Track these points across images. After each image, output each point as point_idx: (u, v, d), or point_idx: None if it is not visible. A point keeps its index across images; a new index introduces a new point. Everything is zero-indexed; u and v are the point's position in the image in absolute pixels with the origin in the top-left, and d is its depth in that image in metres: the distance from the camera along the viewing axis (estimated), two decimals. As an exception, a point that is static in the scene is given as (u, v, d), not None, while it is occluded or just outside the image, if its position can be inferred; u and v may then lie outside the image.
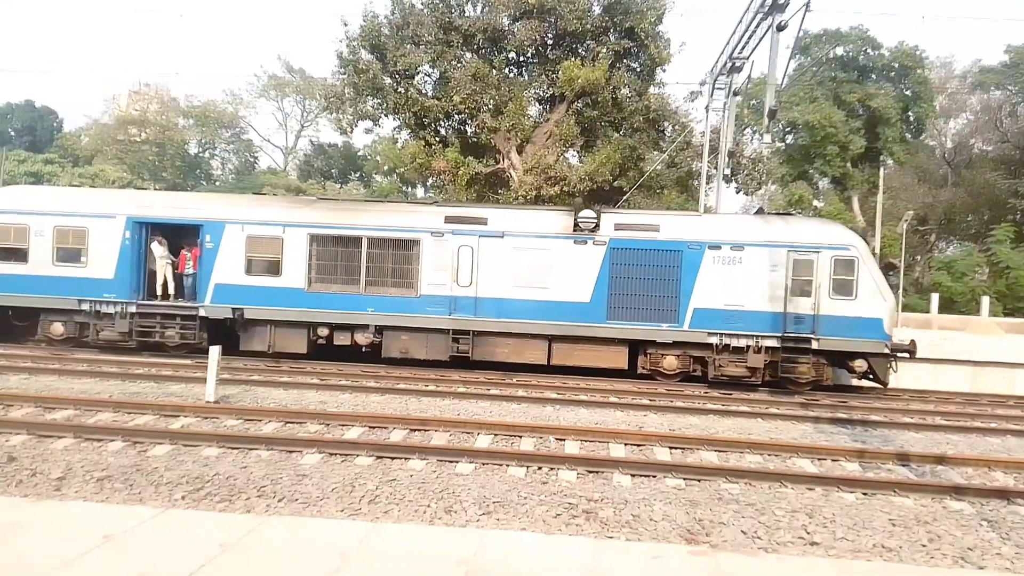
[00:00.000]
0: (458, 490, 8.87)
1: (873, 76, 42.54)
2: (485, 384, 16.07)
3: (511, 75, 28.09)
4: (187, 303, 17.96)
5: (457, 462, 9.94)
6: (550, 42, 27.02)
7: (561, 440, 11.38)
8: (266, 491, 8.65)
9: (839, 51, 42.45)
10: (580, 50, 26.89)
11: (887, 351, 16.27)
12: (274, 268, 17.41)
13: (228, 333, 17.87)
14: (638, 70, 27.66)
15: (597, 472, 9.80)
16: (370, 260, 17.23)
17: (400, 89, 26.95)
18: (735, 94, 23.44)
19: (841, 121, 39.32)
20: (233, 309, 17.44)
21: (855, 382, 17.51)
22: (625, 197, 26.64)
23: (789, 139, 43.37)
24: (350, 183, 60.22)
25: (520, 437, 11.45)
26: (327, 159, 60.55)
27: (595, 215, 16.97)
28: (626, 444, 11.24)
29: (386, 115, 28.15)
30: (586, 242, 16.78)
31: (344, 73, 27.51)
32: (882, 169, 42.46)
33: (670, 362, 16.92)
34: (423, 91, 27.59)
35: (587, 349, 16.98)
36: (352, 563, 6.06)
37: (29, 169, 46.06)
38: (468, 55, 26.70)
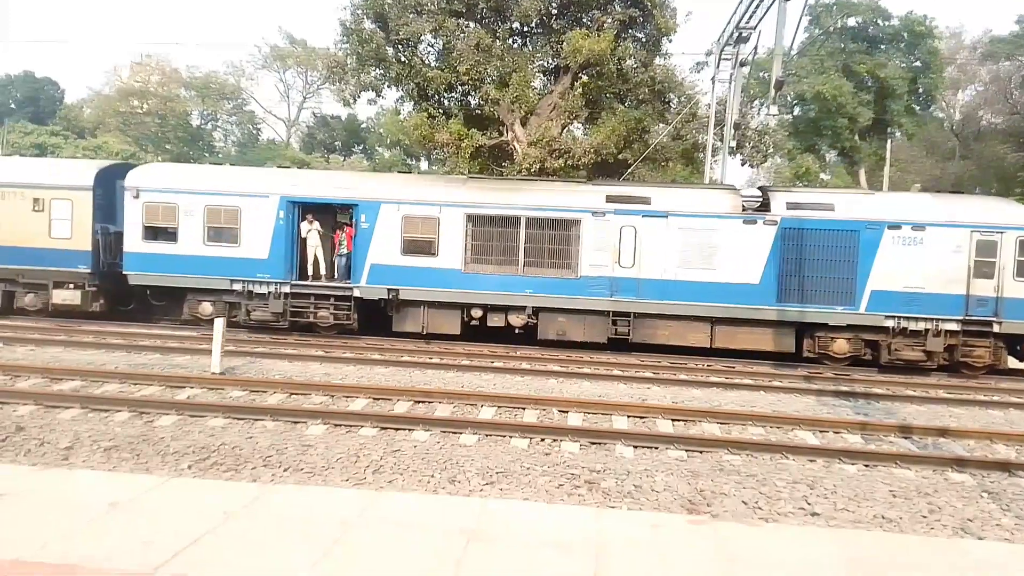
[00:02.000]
0: (462, 461, 8.94)
1: (882, 47, 41.93)
2: (489, 357, 16.13)
3: (515, 46, 27.74)
4: (341, 283, 17.77)
5: (461, 433, 10.02)
6: (554, 12, 26.62)
7: (564, 412, 11.45)
8: (271, 461, 8.74)
9: (851, 22, 41.80)
10: (585, 20, 26.50)
11: None
12: (430, 248, 17.11)
13: (377, 315, 17.78)
14: (644, 41, 27.25)
15: (600, 444, 9.87)
16: (528, 241, 16.89)
17: (403, 59, 26.68)
18: (742, 65, 23.17)
19: (850, 93, 38.86)
20: (388, 290, 17.20)
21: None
22: (631, 169, 26.46)
23: (797, 111, 42.91)
24: (353, 156, 59.95)
25: (523, 409, 11.51)
26: (330, 131, 60.23)
27: (760, 194, 16.54)
28: (629, 416, 11.29)
29: (389, 86, 27.86)
30: (755, 222, 16.31)
31: (347, 42, 27.21)
32: (890, 141, 42.07)
33: (840, 346, 16.47)
34: (426, 62, 27.31)
35: (752, 332, 16.59)
36: (354, 530, 6.13)
37: (34, 141, 45.89)
38: (471, 25, 26.36)
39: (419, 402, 11.70)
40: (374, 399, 11.75)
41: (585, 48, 24.43)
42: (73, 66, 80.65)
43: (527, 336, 17.44)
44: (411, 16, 25.44)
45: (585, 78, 26.87)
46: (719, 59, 23.48)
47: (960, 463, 9.45)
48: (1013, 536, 7.41)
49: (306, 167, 39.60)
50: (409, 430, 10.10)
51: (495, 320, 17.22)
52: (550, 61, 27.55)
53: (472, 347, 17.03)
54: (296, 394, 11.96)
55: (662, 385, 14.05)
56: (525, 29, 27.69)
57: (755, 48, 23.27)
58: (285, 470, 8.49)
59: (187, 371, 13.38)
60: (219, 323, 13.43)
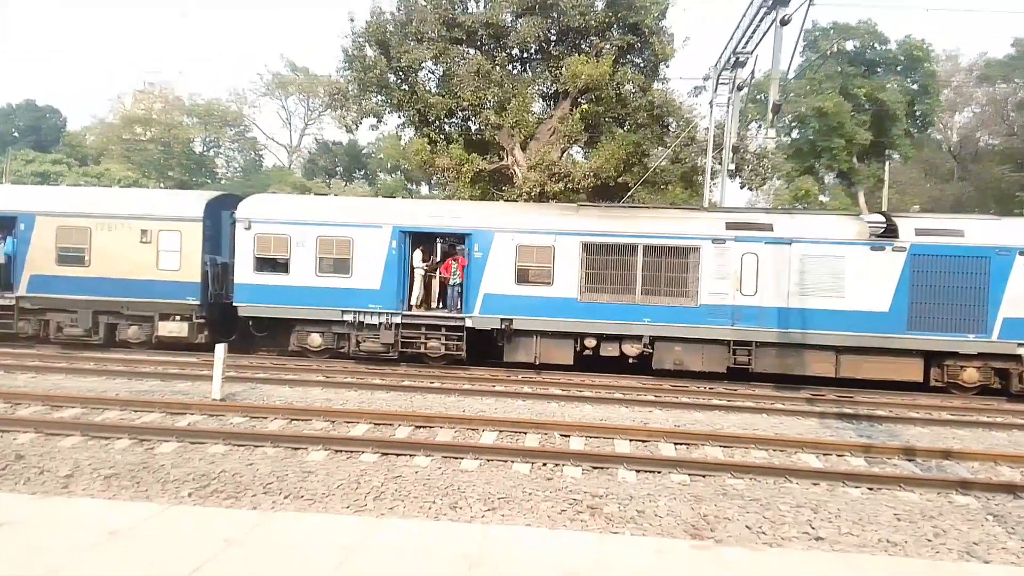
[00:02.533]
0: (463, 486, 8.89)
1: (879, 70, 42.31)
2: (490, 381, 16.10)
3: (514, 72, 28.04)
4: (453, 313, 17.56)
5: (462, 458, 9.98)
6: (553, 38, 26.95)
7: (566, 436, 11.40)
8: (272, 488, 8.70)
9: (848, 45, 42.20)
10: (584, 46, 26.80)
11: None
12: (545, 277, 16.93)
13: (485, 345, 17.62)
14: (642, 66, 27.54)
15: (602, 468, 9.81)
16: (646, 269, 16.66)
17: (404, 86, 26.96)
18: (739, 89, 23.37)
19: (848, 112, 39.13)
20: (502, 319, 17.00)
21: None
22: (630, 193, 26.58)
23: (795, 134, 43.18)
24: (355, 181, 60.28)
25: (525, 433, 11.47)
26: (332, 157, 60.62)
27: (884, 219, 16.45)
28: (631, 440, 11.24)
29: (390, 112, 28.13)
30: (884, 248, 16.07)
31: (349, 69, 27.52)
32: (888, 163, 42.26)
33: (971, 374, 16.14)
34: (427, 88, 27.58)
35: (879, 361, 16.20)
36: (356, 557, 6.09)
37: (36, 169, 46.17)
38: (471, 52, 26.66)
39: (420, 427, 11.66)
40: (375, 424, 11.71)
41: (584, 73, 24.70)
42: (75, 94, 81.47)
43: (641, 366, 17.15)
44: (412, 43, 25.77)
45: (584, 103, 27.10)
46: (717, 83, 23.70)
47: (964, 485, 9.39)
48: (1019, 560, 7.35)
49: (308, 193, 39.81)
50: (410, 455, 10.06)
51: (609, 350, 16.96)
52: (549, 86, 27.83)
53: (474, 371, 17.00)
54: (297, 420, 11.93)
55: (664, 408, 14.00)
56: (524, 55, 28.02)
57: (752, 72, 23.49)
58: (286, 497, 8.45)
59: (188, 397, 13.35)
60: (220, 349, 13.41)
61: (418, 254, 17.92)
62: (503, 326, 17.06)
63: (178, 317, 18.04)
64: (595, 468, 9.81)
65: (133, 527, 6.56)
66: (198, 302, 17.90)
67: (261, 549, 6.22)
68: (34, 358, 16.76)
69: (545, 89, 28.22)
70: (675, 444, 11.15)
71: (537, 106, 28.56)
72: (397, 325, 17.42)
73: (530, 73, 28.36)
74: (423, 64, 26.80)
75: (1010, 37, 60.90)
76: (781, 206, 40.58)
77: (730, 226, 16.67)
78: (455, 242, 18.42)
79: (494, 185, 28.50)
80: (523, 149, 27.11)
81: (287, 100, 62.64)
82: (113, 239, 18.03)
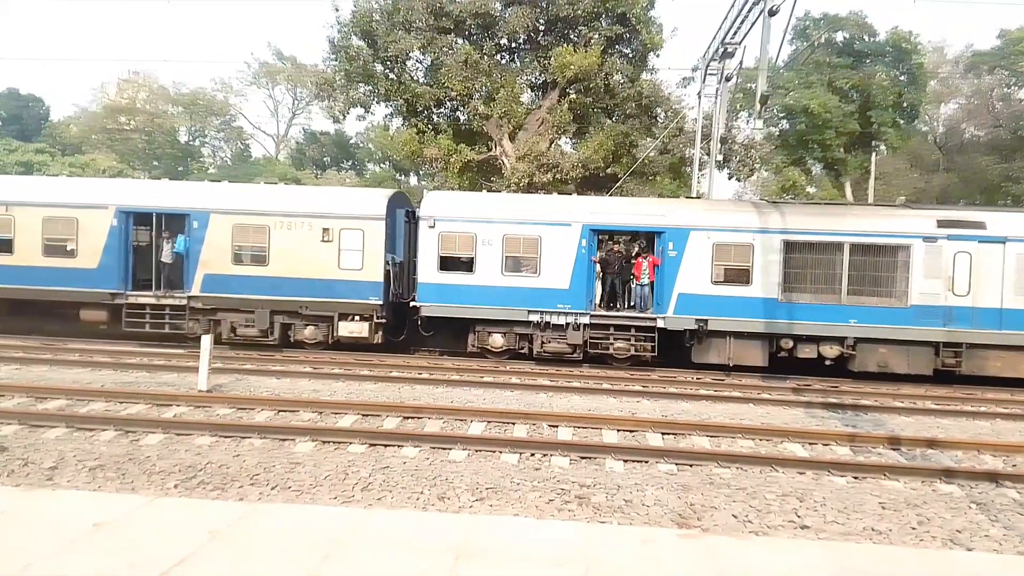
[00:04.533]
0: (451, 477, 8.89)
1: (867, 62, 42.43)
2: (479, 371, 16.09)
3: (503, 62, 27.95)
4: (643, 314, 17.21)
5: (450, 449, 9.97)
6: (542, 28, 26.88)
7: (554, 427, 11.42)
8: (259, 479, 8.67)
9: (838, 37, 42.28)
10: (572, 36, 26.75)
11: None
12: (742, 277, 16.57)
13: (669, 346, 17.25)
14: (630, 56, 27.54)
15: (590, 458, 9.84)
16: (852, 268, 16.30)
17: (391, 76, 26.81)
18: (727, 80, 23.36)
19: (836, 107, 39.25)
20: (696, 320, 16.63)
21: None
22: (618, 184, 26.59)
23: (784, 124, 43.27)
24: (343, 171, 59.93)
25: (513, 424, 11.48)
26: (320, 147, 60.20)
27: None
28: (619, 430, 11.28)
29: (378, 102, 28.00)
30: None
31: (335, 59, 27.35)
32: (874, 155, 42.43)
33: None
34: (415, 78, 27.45)
35: None
36: (343, 549, 6.07)
37: (19, 159, 45.59)
38: (459, 41, 26.54)
39: (408, 418, 11.64)
40: (363, 415, 11.68)
41: (572, 64, 24.67)
42: (58, 83, 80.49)
43: (834, 369, 16.79)
44: (400, 33, 25.63)
45: (573, 93, 27.07)
46: (705, 74, 23.67)
47: (948, 474, 9.48)
48: (1001, 547, 7.43)
49: (295, 183, 39.55)
50: (398, 446, 10.05)
51: (806, 351, 16.59)
52: (538, 76, 27.79)
53: (461, 362, 16.98)
54: (284, 411, 11.88)
55: (652, 398, 14.05)
56: (513, 45, 27.95)
57: (740, 63, 23.48)
58: (273, 488, 8.42)
59: (174, 389, 13.26)
60: (206, 339, 13.33)
61: (605, 252, 17.68)
62: (698, 327, 16.67)
63: (358, 317, 17.66)
64: (583, 458, 9.83)
65: (118, 519, 6.52)
66: (380, 302, 17.53)
67: (247, 541, 6.19)
68: (18, 349, 16.61)
69: (534, 79, 28.19)
70: (662, 434, 11.19)
71: (526, 96, 28.54)
72: (585, 325, 17.09)
73: (518, 63, 28.31)
74: (411, 54, 26.68)
75: (996, 28, 61.24)
76: (769, 197, 40.71)
77: (941, 223, 16.33)
78: (642, 241, 17.97)
79: (482, 176, 28.47)
80: (511, 139, 27.07)
81: (274, 89, 62.14)
82: (293, 237, 17.65)
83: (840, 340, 16.44)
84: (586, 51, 25.15)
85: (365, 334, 17.58)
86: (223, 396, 12.57)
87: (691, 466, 9.64)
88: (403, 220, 18.55)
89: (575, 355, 17.29)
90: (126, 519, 6.55)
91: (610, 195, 24.13)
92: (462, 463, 9.50)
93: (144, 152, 53.21)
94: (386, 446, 10.05)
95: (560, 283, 17.00)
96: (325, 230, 17.59)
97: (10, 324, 18.49)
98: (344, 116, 28.10)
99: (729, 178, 30.38)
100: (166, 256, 18.45)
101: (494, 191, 24.52)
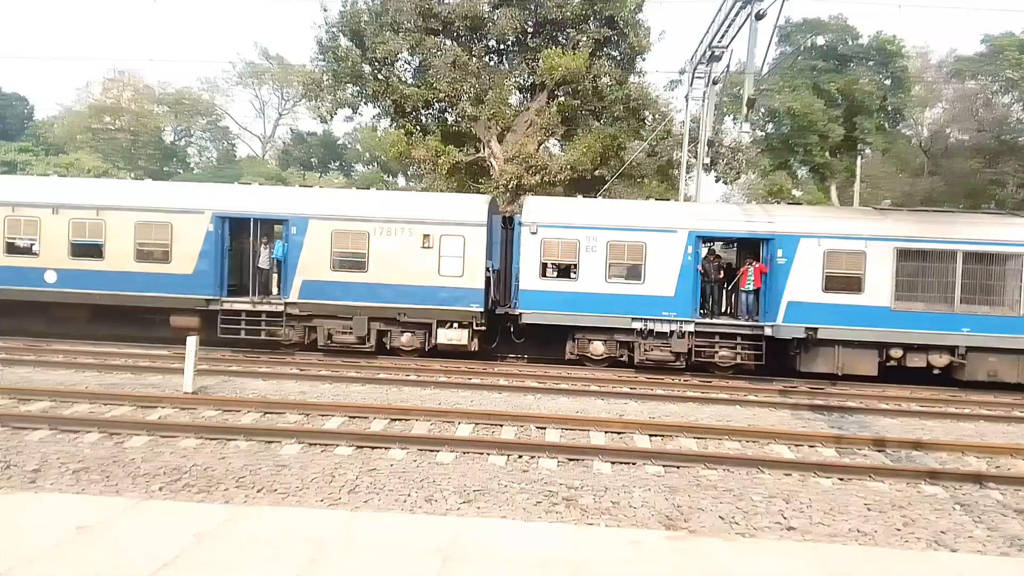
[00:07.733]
0: (439, 479, 8.87)
1: (852, 65, 42.75)
2: (466, 374, 16.07)
3: (491, 63, 27.96)
4: (750, 322, 16.94)
5: (438, 451, 9.95)
6: (530, 30, 26.91)
7: (542, 428, 11.41)
8: (244, 482, 8.61)
9: (820, 40, 42.58)
10: (560, 38, 26.82)
11: None
12: (854, 285, 16.28)
13: (773, 355, 16.91)
14: (618, 59, 27.63)
15: (577, 460, 9.84)
16: (966, 276, 16.09)
17: (379, 76, 26.77)
18: (714, 83, 23.48)
19: (821, 110, 39.51)
20: (806, 329, 16.31)
21: None
22: (606, 186, 26.67)
23: (770, 128, 43.51)
24: (330, 172, 59.70)
25: (501, 426, 11.47)
26: (306, 148, 59.93)
27: None
28: (606, 432, 11.29)
29: (365, 103, 27.95)
30: None
31: (323, 60, 27.27)
32: (859, 158, 42.76)
33: None
34: (403, 79, 27.42)
35: None
36: (329, 551, 6.04)
37: (3, 158, 45.14)
38: (448, 43, 26.53)
39: (396, 420, 11.61)
40: (350, 417, 11.64)
41: (561, 66, 24.73)
42: (42, 82, 79.74)
43: (941, 378, 16.55)
44: (388, 34, 25.58)
45: (561, 95, 27.12)
46: (692, 77, 23.77)
47: (933, 475, 9.56)
48: (985, 548, 7.49)
49: (280, 183, 39.34)
50: (385, 448, 10.01)
51: (915, 360, 16.35)
52: (526, 78, 27.82)
53: (449, 363, 16.95)
54: (270, 413, 11.81)
55: (639, 400, 14.08)
56: (501, 47, 27.96)
57: (727, 67, 23.62)
58: (259, 491, 8.36)
59: (159, 391, 13.15)
60: (191, 341, 13.23)
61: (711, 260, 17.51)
62: (807, 335, 16.39)
63: (456, 324, 17.35)
64: (571, 460, 9.84)
65: (102, 522, 6.45)
66: (481, 309, 17.20)
67: (232, 544, 6.15)
68: (0, 350, 16.41)
69: (522, 81, 28.21)
70: (650, 436, 11.22)
71: (514, 98, 28.56)
72: (690, 333, 16.83)
73: (507, 65, 28.32)
74: (399, 55, 26.64)
75: (980, 34, 61.86)
76: (756, 200, 40.96)
77: None
78: (746, 248, 17.74)
79: (471, 177, 28.46)
80: (500, 141, 27.09)
81: (261, 89, 61.78)
82: (393, 244, 17.30)
83: (951, 349, 16.29)
84: (574, 53, 25.22)
85: (464, 341, 17.31)
86: (209, 398, 12.48)
87: (678, 468, 9.66)
88: (499, 226, 18.27)
89: (678, 363, 17.02)
90: (110, 522, 6.48)
91: (599, 197, 24.17)
92: (450, 465, 9.48)
93: (129, 151, 52.78)
94: (373, 448, 10.01)
95: (666, 290, 16.75)
96: (425, 236, 17.27)
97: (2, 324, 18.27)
98: (331, 117, 28.03)
99: (716, 181, 30.51)
100: (263, 262, 18.26)
101: (482, 192, 24.51)
